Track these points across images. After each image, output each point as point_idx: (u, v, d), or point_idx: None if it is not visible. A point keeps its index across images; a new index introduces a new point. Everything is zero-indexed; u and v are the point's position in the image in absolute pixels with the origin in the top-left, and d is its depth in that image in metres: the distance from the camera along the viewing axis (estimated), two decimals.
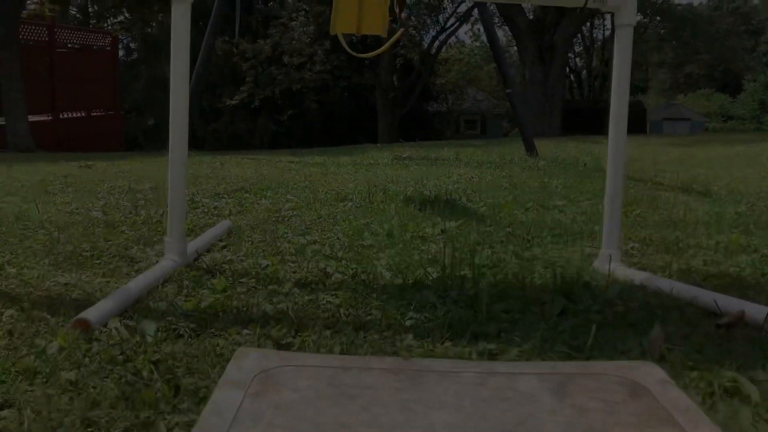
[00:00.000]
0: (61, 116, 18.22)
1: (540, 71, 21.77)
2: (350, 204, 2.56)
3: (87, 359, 1.00)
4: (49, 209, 2.36)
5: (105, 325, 1.12)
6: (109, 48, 21.22)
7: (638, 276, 1.47)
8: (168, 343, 1.06)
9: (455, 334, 1.13)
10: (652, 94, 56.60)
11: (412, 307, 1.26)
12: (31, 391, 0.89)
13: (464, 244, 1.81)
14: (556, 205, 2.61)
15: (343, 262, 1.60)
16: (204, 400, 0.87)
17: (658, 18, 29.86)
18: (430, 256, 1.67)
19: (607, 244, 1.60)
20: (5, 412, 0.84)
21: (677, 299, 1.32)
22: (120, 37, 22.20)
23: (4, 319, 1.17)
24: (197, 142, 32.13)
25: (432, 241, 1.86)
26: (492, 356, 1.05)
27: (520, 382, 0.94)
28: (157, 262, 1.54)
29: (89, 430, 0.80)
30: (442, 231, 1.98)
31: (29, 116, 13.64)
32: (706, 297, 1.27)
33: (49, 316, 1.18)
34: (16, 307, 1.23)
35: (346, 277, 1.48)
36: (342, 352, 1.04)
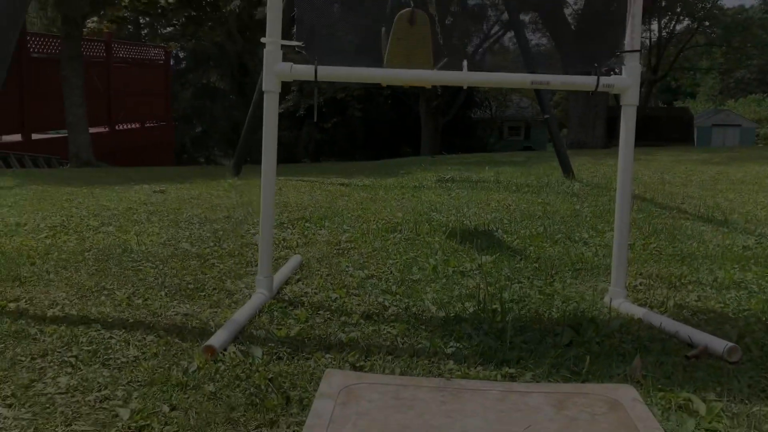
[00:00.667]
0: (117, 128, 19.04)
1: None
2: (399, 236, 2.94)
3: (218, 376, 1.39)
4: (145, 240, 2.80)
5: (225, 350, 1.52)
6: (162, 61, 22.05)
7: (638, 311, 1.82)
8: (273, 365, 1.45)
9: (485, 360, 1.50)
10: (701, 99, 55.49)
11: (452, 337, 1.63)
12: (186, 398, 1.30)
13: (497, 279, 2.18)
14: (581, 238, 2.95)
15: (397, 296, 1.98)
16: (307, 407, 1.25)
17: (707, 23, 29.53)
18: (467, 291, 2.04)
19: (614, 283, 1.95)
20: (174, 414, 1.24)
21: (663, 333, 1.66)
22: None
23: (148, 343, 1.58)
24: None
25: (470, 276, 2.23)
26: (512, 378, 1.41)
27: (530, 398, 1.31)
28: (250, 295, 1.94)
29: (230, 427, 1.19)
30: (479, 266, 2.34)
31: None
32: (685, 332, 1.61)
33: (180, 342, 1.59)
34: (153, 334, 1.64)
35: (400, 310, 1.86)
36: (401, 374, 1.42)
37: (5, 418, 1.21)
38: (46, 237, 2.86)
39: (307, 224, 3.24)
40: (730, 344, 1.50)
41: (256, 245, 2.66)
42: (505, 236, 2.97)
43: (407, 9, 2.31)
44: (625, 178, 1.95)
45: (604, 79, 1.88)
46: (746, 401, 1.29)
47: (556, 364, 1.47)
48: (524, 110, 35.16)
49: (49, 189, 4.83)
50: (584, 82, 1.88)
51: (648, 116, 32.67)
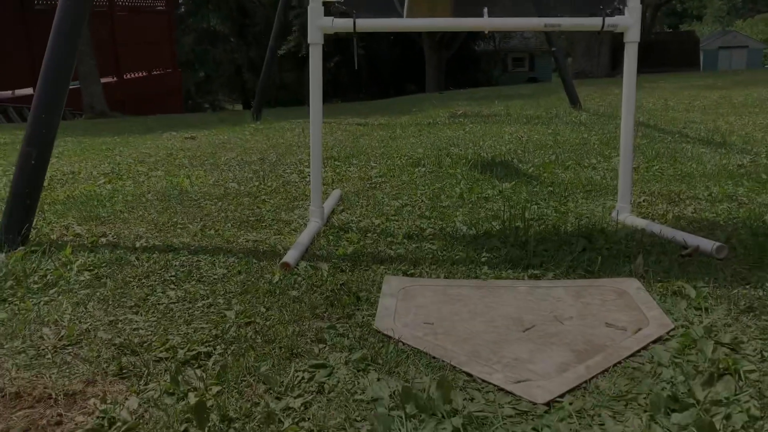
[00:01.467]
0: (125, 77, 19.13)
1: None
2: (423, 169, 3.22)
3: (297, 285, 1.71)
4: (196, 182, 3.10)
5: (297, 265, 1.83)
6: (164, 8, 21.90)
7: (641, 223, 2.11)
8: (339, 275, 1.76)
9: (513, 265, 1.81)
10: (707, 21, 54.32)
11: (484, 249, 1.94)
12: (276, 301, 1.61)
13: (517, 202, 2.47)
14: (590, 163, 3.22)
15: (431, 219, 2.28)
16: (374, 304, 1.57)
17: None
18: (492, 213, 2.34)
19: (621, 199, 2.24)
20: (270, 312, 1.55)
21: (662, 238, 1.96)
22: None
23: (231, 263, 1.89)
24: (247, 94, 32.81)
25: (493, 201, 2.52)
26: (536, 278, 1.72)
27: (553, 291, 1.62)
28: (305, 224, 2.25)
29: (317, 319, 1.51)
30: (500, 192, 2.64)
31: None
32: (680, 236, 1.91)
33: (257, 261, 1.90)
34: (233, 256, 1.95)
35: (435, 230, 2.16)
36: (446, 277, 1.73)
37: (137, 321, 1.53)
38: (105, 182, 3.16)
39: (336, 162, 3.53)
40: (718, 244, 1.80)
41: (297, 183, 2.96)
42: (521, 165, 3.25)
43: None
44: (628, 108, 2.21)
45: (609, 20, 2.12)
46: (728, 287, 1.60)
47: (572, 266, 1.78)
48: (528, 40, 34.75)
49: (84, 140, 5.12)
50: (591, 23, 2.13)
51: (653, 42, 32.25)
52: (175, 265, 1.88)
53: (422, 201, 2.57)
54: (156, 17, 21.49)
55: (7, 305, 1.64)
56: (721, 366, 1.20)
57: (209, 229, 2.25)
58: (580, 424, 1.06)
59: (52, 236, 2.22)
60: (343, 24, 2.09)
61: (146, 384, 1.24)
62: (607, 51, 21.66)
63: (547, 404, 1.12)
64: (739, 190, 2.55)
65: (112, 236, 2.21)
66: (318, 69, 2.14)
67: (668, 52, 31.02)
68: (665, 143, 3.80)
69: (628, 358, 1.27)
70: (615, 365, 1.24)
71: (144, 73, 20.59)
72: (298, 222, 2.32)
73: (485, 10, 2.10)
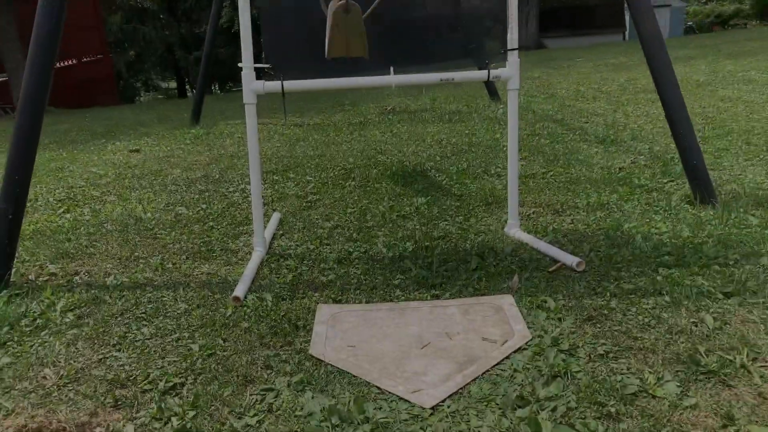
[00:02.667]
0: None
1: None
2: (353, 183, 3.65)
3: (246, 316, 2.13)
4: (148, 208, 3.45)
5: (245, 297, 2.25)
6: None
7: (526, 238, 2.60)
8: (281, 304, 2.19)
9: (420, 286, 2.27)
10: None
11: (398, 272, 2.39)
12: (230, 333, 2.03)
13: (429, 219, 2.93)
14: (496, 171, 3.71)
15: (358, 242, 2.72)
16: (309, 331, 2.01)
17: None
18: (408, 233, 2.79)
19: (510, 216, 2.72)
20: (226, 344, 1.97)
21: (539, 254, 2.45)
22: None
23: (191, 298, 2.30)
24: (180, 72, 32.12)
25: (410, 218, 2.98)
26: (437, 297, 2.19)
27: (447, 310, 2.09)
28: (250, 253, 2.66)
29: (265, 348, 1.94)
30: (416, 209, 3.09)
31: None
32: (553, 252, 2.40)
33: (211, 294, 2.31)
34: (191, 291, 2.36)
35: (360, 253, 2.60)
36: (366, 302, 2.18)
37: (121, 358, 1.93)
38: (64, 211, 3.49)
39: (275, 177, 3.92)
40: (578, 259, 2.30)
41: (240, 204, 3.36)
42: (437, 175, 3.71)
43: (341, 2, 2.91)
44: (512, 147, 2.68)
45: (493, 72, 2.57)
46: (579, 298, 2.09)
47: (465, 284, 2.25)
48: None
49: None
50: (480, 75, 2.58)
51: (579, 6, 33.08)
52: (144, 302, 2.28)
53: (351, 221, 3.00)
54: (81, 1, 20.99)
55: (8, 349, 2.02)
56: (556, 369, 1.69)
57: (167, 262, 2.64)
58: (453, 422, 1.53)
59: (29, 276, 2.58)
60: (272, 86, 2.49)
61: (138, 412, 1.65)
62: (534, 20, 22.29)
63: (433, 408, 1.59)
64: (613, 197, 3.07)
65: (84, 274, 2.58)
66: (254, 125, 2.54)
67: (596, 16, 31.84)
68: (565, 143, 4.32)
69: (494, 366, 1.75)
70: (484, 373, 1.72)
71: (73, 61, 20.18)
72: (244, 251, 2.73)
73: (391, 69, 2.52)
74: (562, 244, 2.52)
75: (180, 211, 3.36)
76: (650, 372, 1.66)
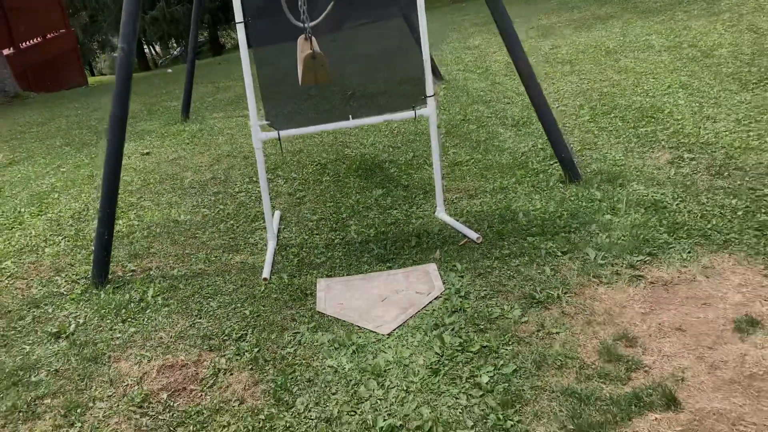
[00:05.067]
0: (21, 47, 19.32)
1: None
2: (328, 179, 4.94)
3: (273, 290, 3.45)
4: (179, 211, 4.71)
5: (270, 277, 3.57)
6: None
7: (447, 219, 3.93)
8: (294, 280, 3.51)
9: (380, 261, 3.60)
10: None
11: (365, 252, 3.72)
12: (266, 302, 3.36)
13: (384, 208, 4.25)
14: (431, 161, 5.00)
15: (337, 231, 4.03)
16: (313, 296, 3.33)
17: None
18: (370, 221, 4.11)
19: (438, 203, 4.03)
20: (266, 309, 3.30)
21: (455, 231, 3.79)
22: None
23: (234, 280, 3.60)
24: (138, 33, 32.09)
25: (371, 209, 4.29)
26: (390, 268, 3.53)
27: (396, 276, 3.43)
28: (266, 245, 3.95)
29: (289, 309, 3.26)
30: (375, 200, 4.40)
31: None
32: (464, 230, 3.74)
33: (248, 277, 3.62)
34: (234, 275, 3.66)
35: (340, 240, 3.92)
36: (347, 275, 3.52)
37: (203, 323, 3.24)
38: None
39: (268, 176, 5.17)
40: (477, 234, 3.64)
41: (247, 203, 4.64)
42: (390, 167, 5.00)
43: (309, 52, 4.14)
44: (435, 160, 3.97)
45: (418, 112, 3.84)
46: (476, 261, 3.44)
47: (407, 257, 3.59)
48: None
49: (53, 161, 6.50)
50: (410, 115, 3.84)
51: None
52: (205, 286, 3.59)
53: (330, 214, 4.31)
54: None
55: (131, 323, 3.32)
56: (456, 307, 3.05)
57: (210, 256, 3.94)
58: (399, 341, 2.89)
59: (118, 273, 3.86)
60: (272, 135, 3.74)
61: (224, 352, 2.98)
62: None
63: (388, 334, 2.94)
64: (511, 181, 4.41)
65: (155, 269, 3.87)
66: (262, 160, 3.80)
67: None
68: (488, 127, 5.62)
69: (423, 308, 3.10)
70: (416, 313, 3.07)
71: (39, 39, 20.68)
72: (261, 244, 4.03)
73: (350, 116, 3.79)
74: (470, 224, 3.86)
75: (205, 213, 4.62)
76: (507, 304, 3.03)
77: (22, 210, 5.23)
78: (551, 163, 4.60)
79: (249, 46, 3.56)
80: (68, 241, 4.44)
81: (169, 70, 16.77)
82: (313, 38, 4.03)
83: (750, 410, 2.23)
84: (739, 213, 3.53)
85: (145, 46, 50.00)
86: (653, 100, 5.70)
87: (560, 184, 4.23)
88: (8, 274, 4.08)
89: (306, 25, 3.77)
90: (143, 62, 48.42)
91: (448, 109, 6.32)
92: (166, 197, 5.03)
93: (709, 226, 3.45)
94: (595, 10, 11.01)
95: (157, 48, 52.09)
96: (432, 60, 7.58)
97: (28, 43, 19.93)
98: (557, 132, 4.21)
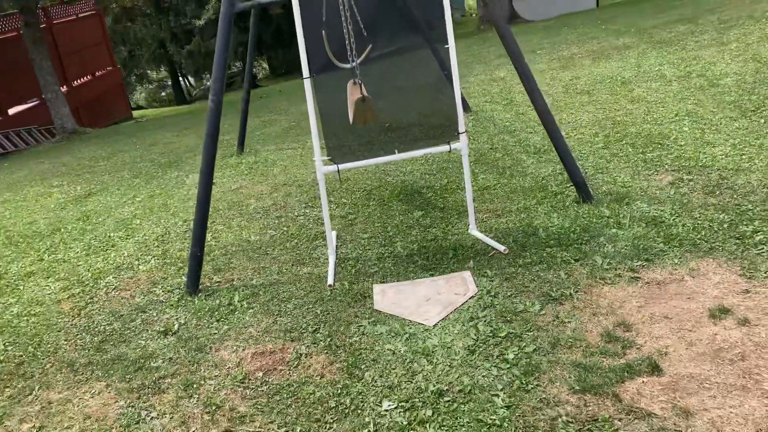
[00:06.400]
0: (73, 85, 20.66)
1: None
2: (374, 203, 5.73)
3: (339, 294, 4.23)
4: (250, 233, 5.53)
5: (334, 284, 4.35)
6: (94, 11, 23.18)
7: (479, 235, 4.68)
8: (354, 286, 4.29)
9: (424, 270, 4.37)
10: None
11: (411, 263, 4.49)
12: (332, 304, 4.14)
13: (425, 227, 5.02)
14: (464, 185, 5.77)
15: (386, 247, 4.81)
16: (371, 298, 4.10)
17: None
18: (412, 238, 4.88)
19: (470, 221, 4.79)
20: (334, 308, 4.08)
21: (485, 245, 4.54)
22: None
23: (305, 287, 4.39)
24: (174, 65, 34.11)
25: (413, 227, 5.06)
26: (432, 275, 4.29)
27: (438, 281, 4.19)
28: (327, 258, 4.74)
29: (351, 308, 4.03)
30: (416, 221, 5.17)
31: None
32: (492, 243, 4.49)
33: (316, 284, 4.41)
34: (305, 283, 4.45)
35: (389, 254, 4.69)
36: (397, 281, 4.28)
37: (284, 321, 4.03)
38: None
39: (319, 202, 5.98)
40: (504, 247, 4.38)
41: (306, 225, 5.45)
42: (428, 192, 5.78)
43: (359, 96, 4.95)
44: (468, 186, 4.74)
45: (452, 146, 4.62)
46: (503, 268, 4.18)
47: (447, 267, 4.35)
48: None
49: (135, 197, 7.40)
50: (444, 149, 4.62)
51: None
52: (281, 292, 4.38)
53: (379, 232, 5.09)
54: (88, 20, 22.75)
55: (225, 320, 4.12)
56: (487, 304, 3.79)
57: (282, 268, 4.74)
58: (442, 330, 3.64)
59: (206, 284, 4.67)
60: (331, 169, 4.54)
61: (303, 342, 3.76)
62: None
63: (434, 326, 3.70)
64: (533, 202, 5.15)
65: (236, 280, 4.68)
66: (324, 191, 4.60)
67: None
68: (513, 155, 6.38)
69: (460, 305, 3.85)
70: (455, 309, 3.82)
71: (88, 77, 22.04)
72: (323, 258, 4.82)
73: (396, 150, 4.58)
74: (498, 238, 4.61)
75: (271, 233, 5.44)
76: (529, 301, 3.76)
77: (112, 234, 6.11)
78: (568, 185, 5.33)
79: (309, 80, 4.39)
80: (157, 260, 5.29)
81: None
82: (362, 84, 4.85)
83: (714, 373, 2.94)
84: (725, 225, 4.23)
85: (180, 79, 51.72)
86: (661, 127, 6.41)
87: (575, 204, 4.96)
88: (113, 287, 4.92)
89: (356, 71, 4.60)
90: (179, 94, 50.16)
91: (476, 138, 7.10)
92: (236, 221, 5.87)
93: (698, 236, 4.15)
94: (613, 40, 11.74)
95: (191, 80, 53.87)
96: (463, 99, 8.41)
97: (79, 81, 21.25)
98: (571, 159, 4.95)
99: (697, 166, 5.26)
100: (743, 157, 5.27)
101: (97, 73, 22.41)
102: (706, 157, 5.40)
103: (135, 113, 27.93)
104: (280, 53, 36.38)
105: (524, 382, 3.08)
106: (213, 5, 31.91)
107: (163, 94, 54.39)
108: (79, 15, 21.78)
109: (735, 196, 4.60)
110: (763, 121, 6.00)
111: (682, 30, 11.34)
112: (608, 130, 6.66)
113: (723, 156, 5.36)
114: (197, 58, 38.41)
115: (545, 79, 9.63)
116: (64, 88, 19.48)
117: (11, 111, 17.32)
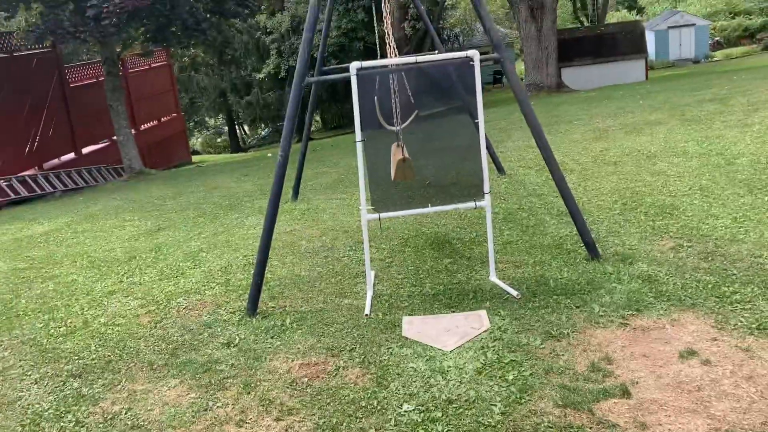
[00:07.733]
0: (141, 129, 22.24)
1: (533, 28, 24.62)
2: (409, 249, 6.55)
3: (375, 322, 5.03)
4: (301, 269, 6.39)
5: (370, 313, 5.15)
6: (165, 62, 24.97)
7: (498, 282, 5.44)
8: (387, 316, 5.08)
9: (446, 307, 5.14)
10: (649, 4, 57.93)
11: (436, 301, 5.27)
12: (369, 329, 4.93)
13: (450, 272, 5.81)
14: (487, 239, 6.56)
15: (416, 286, 5.61)
16: (400, 326, 4.89)
17: None
18: (440, 281, 5.67)
19: (491, 269, 5.56)
20: (369, 333, 4.87)
21: (502, 290, 5.30)
22: None
23: (350, 315, 5.20)
24: (231, 114, 36.03)
25: (441, 272, 5.85)
26: (453, 311, 5.06)
27: (458, 317, 4.96)
28: (366, 293, 5.56)
29: (384, 334, 4.82)
30: (445, 267, 5.97)
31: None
32: (507, 289, 5.24)
33: (356, 313, 5.22)
34: (349, 311, 5.27)
35: (417, 292, 5.49)
36: (423, 315, 5.07)
37: (328, 340, 4.84)
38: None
39: (362, 245, 6.83)
40: (517, 292, 5.14)
41: (349, 264, 6.29)
42: (457, 243, 6.58)
43: (401, 157, 5.82)
44: (490, 240, 5.53)
45: (478, 204, 5.44)
46: (515, 310, 4.93)
47: (467, 306, 5.12)
48: (490, 31, 38.03)
49: (201, 234, 8.38)
50: (471, 206, 5.44)
51: (603, 34, 35.68)
52: (326, 318, 5.19)
53: (411, 275, 5.89)
54: (159, 70, 24.53)
55: (279, 338, 4.95)
56: (496, 337, 4.55)
57: (327, 299, 5.57)
58: (456, 355, 4.40)
59: (262, 308, 5.52)
60: (374, 217, 5.40)
61: (342, 357, 4.55)
62: (553, 63, 24.95)
63: (450, 351, 4.46)
64: (548, 257, 5.90)
65: (288, 306, 5.52)
66: (367, 238, 5.45)
67: (617, 43, 34.38)
68: (537, 216, 7.15)
69: (474, 337, 4.61)
70: (470, 339, 4.58)
71: (155, 122, 23.65)
72: (362, 293, 5.63)
73: (429, 204, 5.42)
74: (514, 285, 5.36)
75: (319, 270, 6.30)
76: (532, 337, 4.50)
77: (181, 264, 7.06)
78: (581, 245, 6.07)
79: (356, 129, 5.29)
80: (221, 287, 6.18)
81: (269, 155, 19.08)
82: (404, 146, 5.74)
83: (672, 399, 3.63)
84: (709, 286, 4.91)
85: (237, 127, 53.80)
86: (674, 199, 7.12)
87: (585, 261, 5.69)
88: (183, 306, 5.81)
89: (399, 135, 5.49)
90: (234, 141, 52.10)
91: (507, 199, 7.90)
92: (289, 258, 6.75)
93: (685, 293, 4.85)
94: (647, 115, 12.51)
95: (246, 128, 56.05)
96: (496, 156, 9.26)
97: (147, 125, 22.85)
98: (583, 221, 5.72)
99: (698, 235, 5.95)
100: (740, 229, 5.95)
101: (163, 119, 24.01)
102: (707, 227, 6.09)
103: (194, 158, 29.56)
104: (333, 107, 38.03)
105: (519, 397, 3.80)
106: (273, 60, 33.80)
107: (218, 140, 56.68)
108: (152, 65, 23.52)
109: (724, 262, 5.28)
110: (767, 198, 6.66)
111: (712, 109, 12.05)
112: (626, 198, 7.38)
113: (723, 227, 6.05)
114: (254, 108, 40.40)
115: (578, 149, 10.42)
116: (133, 131, 21.03)
117: (85, 150, 18.82)
